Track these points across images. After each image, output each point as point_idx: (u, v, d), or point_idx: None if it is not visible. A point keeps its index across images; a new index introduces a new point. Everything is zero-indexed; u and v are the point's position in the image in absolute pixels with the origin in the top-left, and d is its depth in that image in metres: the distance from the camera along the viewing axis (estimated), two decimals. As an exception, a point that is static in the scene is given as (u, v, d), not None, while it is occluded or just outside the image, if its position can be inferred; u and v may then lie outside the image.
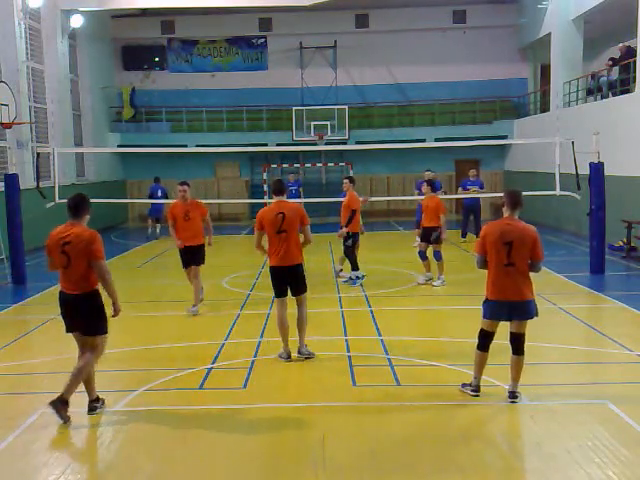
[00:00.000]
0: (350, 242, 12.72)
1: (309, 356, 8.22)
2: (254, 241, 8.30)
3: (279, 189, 8.27)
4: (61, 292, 6.52)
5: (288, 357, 8.16)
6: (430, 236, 12.68)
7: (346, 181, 13.08)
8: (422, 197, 13.64)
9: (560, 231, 20.01)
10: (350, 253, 12.84)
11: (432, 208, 12.61)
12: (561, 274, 13.17)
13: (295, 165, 26.51)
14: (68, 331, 6.58)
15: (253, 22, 27.88)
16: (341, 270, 13.58)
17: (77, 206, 6.47)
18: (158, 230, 21.38)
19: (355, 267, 12.86)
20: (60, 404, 6.30)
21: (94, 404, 6.61)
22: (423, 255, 12.89)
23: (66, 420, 6.31)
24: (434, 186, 13.51)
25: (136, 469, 5.51)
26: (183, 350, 8.75)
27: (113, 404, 6.75)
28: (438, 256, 12.78)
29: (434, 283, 12.74)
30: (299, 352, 8.25)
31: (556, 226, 20.44)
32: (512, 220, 6.56)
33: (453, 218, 24.19)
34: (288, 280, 8.17)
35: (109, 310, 6.48)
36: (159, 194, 21.73)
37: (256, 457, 5.70)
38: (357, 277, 12.83)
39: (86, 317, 6.42)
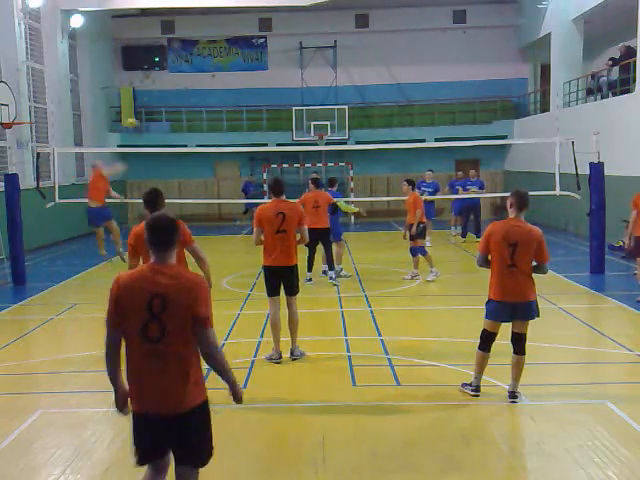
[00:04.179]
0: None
1: (301, 356, 8.21)
2: (253, 238, 8.25)
3: (280, 189, 8.21)
4: None
5: (279, 358, 8.10)
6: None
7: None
8: (422, 196, 13.87)
9: (560, 231, 20.01)
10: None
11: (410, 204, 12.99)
12: (561, 274, 13.17)
13: (295, 165, 26.51)
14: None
15: (253, 22, 27.85)
16: (341, 270, 13.60)
17: (155, 199, 6.36)
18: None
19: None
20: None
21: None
22: (423, 250, 13.14)
23: None
24: (414, 185, 13.51)
25: (136, 469, 5.50)
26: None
27: (113, 404, 6.72)
28: (415, 251, 13.07)
29: (427, 278, 13.03)
30: (292, 353, 8.20)
31: (556, 226, 20.44)
32: (518, 221, 6.52)
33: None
34: (282, 280, 8.14)
35: None
36: (251, 189, 25.09)
37: (256, 457, 5.69)
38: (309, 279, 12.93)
39: None
